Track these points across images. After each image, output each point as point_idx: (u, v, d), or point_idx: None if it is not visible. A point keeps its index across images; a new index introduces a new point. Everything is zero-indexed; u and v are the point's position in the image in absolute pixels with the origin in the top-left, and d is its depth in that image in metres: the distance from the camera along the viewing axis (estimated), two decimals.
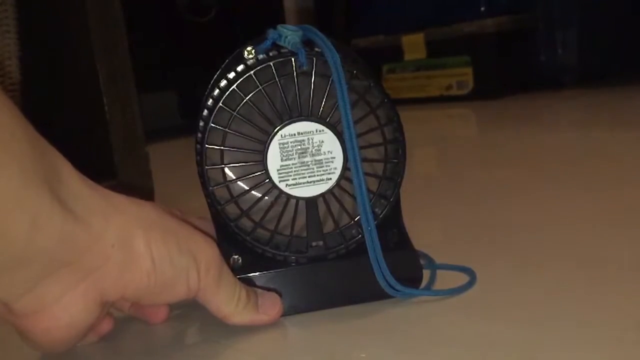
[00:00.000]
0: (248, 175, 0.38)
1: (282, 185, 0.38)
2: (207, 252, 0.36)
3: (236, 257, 0.40)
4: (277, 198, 0.39)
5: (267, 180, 0.38)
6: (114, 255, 0.32)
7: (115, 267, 0.33)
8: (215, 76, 0.39)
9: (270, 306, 0.38)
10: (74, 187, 0.32)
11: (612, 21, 1.48)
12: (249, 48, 0.38)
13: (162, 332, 0.41)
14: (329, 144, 0.39)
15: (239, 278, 0.40)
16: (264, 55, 0.38)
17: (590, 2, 1.48)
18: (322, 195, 0.39)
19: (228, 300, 0.37)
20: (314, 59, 0.37)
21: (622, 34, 1.47)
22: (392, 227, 0.41)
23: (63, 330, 0.33)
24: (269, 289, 0.40)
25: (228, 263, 0.40)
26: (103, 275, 0.32)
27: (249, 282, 0.40)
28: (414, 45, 1.64)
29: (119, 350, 0.39)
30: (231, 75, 0.38)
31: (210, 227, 0.43)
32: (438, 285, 0.42)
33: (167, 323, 0.41)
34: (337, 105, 0.37)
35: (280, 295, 0.40)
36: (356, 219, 0.40)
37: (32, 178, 0.29)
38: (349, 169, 0.38)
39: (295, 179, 0.39)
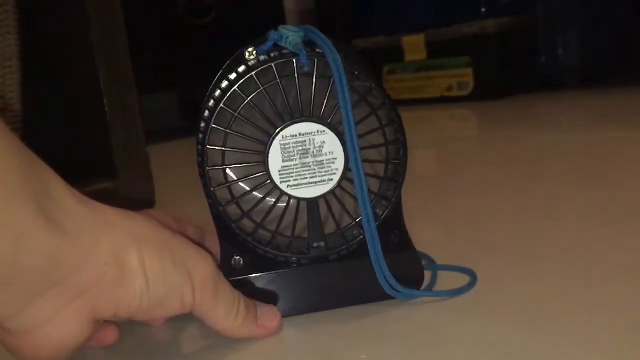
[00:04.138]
0: (249, 176, 0.38)
1: (283, 186, 0.38)
2: (203, 267, 0.35)
3: (237, 258, 0.40)
4: (278, 199, 0.39)
5: (269, 181, 0.38)
6: (107, 274, 0.31)
7: (108, 285, 0.32)
8: (217, 77, 0.39)
9: (270, 319, 0.38)
10: (64, 202, 0.31)
11: (613, 22, 1.48)
12: (250, 49, 0.38)
13: (162, 333, 0.41)
14: (330, 145, 0.39)
15: (240, 279, 0.40)
16: (265, 56, 0.38)
17: (590, 3, 1.48)
18: (324, 196, 0.39)
19: (226, 314, 0.36)
20: (315, 59, 0.37)
21: (623, 35, 1.47)
22: (393, 228, 0.41)
23: (55, 348, 0.32)
24: (269, 292, 0.40)
25: (229, 264, 0.40)
26: (96, 294, 0.31)
27: (250, 283, 0.40)
28: (414, 46, 1.64)
29: (119, 351, 0.39)
30: (232, 76, 0.38)
31: (208, 237, 0.43)
32: (439, 286, 0.42)
33: (166, 323, 0.41)
34: (339, 106, 0.37)
35: (278, 299, 0.40)
36: (357, 219, 0.40)
37: (17, 194, 0.28)
38: (350, 170, 0.38)
39: (297, 179, 0.38)
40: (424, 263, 0.43)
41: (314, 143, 0.38)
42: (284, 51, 0.38)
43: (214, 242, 0.43)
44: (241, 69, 0.38)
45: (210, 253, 0.37)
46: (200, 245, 0.37)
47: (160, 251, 0.33)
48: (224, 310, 0.36)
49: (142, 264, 0.32)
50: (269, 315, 0.38)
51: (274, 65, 0.37)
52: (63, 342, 0.32)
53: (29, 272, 0.29)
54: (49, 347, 0.32)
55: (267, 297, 0.40)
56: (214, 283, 0.35)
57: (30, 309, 0.30)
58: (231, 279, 0.40)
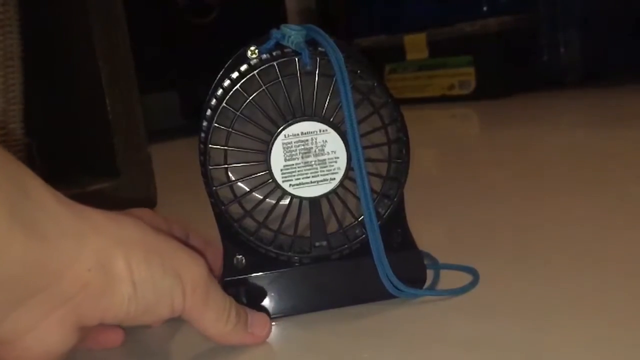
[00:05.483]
0: (251, 175, 0.38)
1: (285, 185, 0.38)
2: (193, 270, 0.33)
3: (239, 257, 0.40)
4: (280, 198, 0.39)
5: (271, 180, 0.38)
6: (92, 281, 0.30)
7: (93, 292, 0.30)
8: (219, 76, 0.39)
9: (261, 327, 0.37)
10: (45, 206, 0.29)
11: (614, 20, 1.47)
12: (252, 48, 0.38)
13: (162, 331, 0.41)
14: (332, 144, 0.38)
15: (242, 278, 0.40)
16: (268, 55, 0.38)
17: (592, 2, 1.48)
18: (326, 195, 0.39)
19: (216, 319, 0.34)
20: (318, 58, 0.37)
21: (625, 33, 1.46)
22: (395, 227, 0.41)
23: (38, 358, 0.31)
24: (262, 291, 0.40)
25: (231, 263, 0.40)
26: (80, 302, 0.30)
27: (252, 282, 0.40)
28: (416, 45, 1.64)
29: (118, 351, 0.39)
30: (234, 75, 0.38)
31: (191, 236, 0.42)
32: (441, 285, 0.42)
33: (166, 323, 0.41)
34: (341, 105, 0.37)
35: (275, 301, 0.39)
36: (360, 218, 0.40)
37: None
38: (352, 169, 0.38)
39: (299, 179, 0.38)
40: (426, 262, 0.43)
41: (316, 142, 0.38)
42: (286, 50, 0.38)
43: (197, 240, 0.43)
44: (243, 67, 0.38)
45: (198, 252, 0.35)
46: (185, 244, 0.36)
47: (148, 255, 0.32)
48: (215, 315, 0.34)
49: (129, 269, 0.31)
50: (260, 323, 0.37)
51: (276, 64, 0.37)
52: (46, 352, 0.31)
53: (5, 281, 0.28)
54: (32, 356, 0.30)
55: (264, 299, 0.40)
56: (205, 287, 0.34)
57: (10, 318, 0.29)
58: (233, 278, 0.40)
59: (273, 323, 0.39)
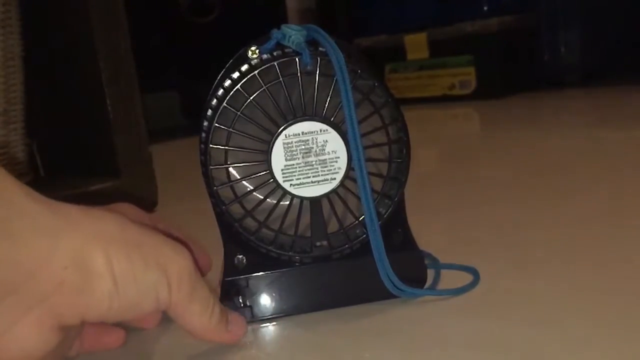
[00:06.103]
0: (252, 175, 0.38)
1: (286, 185, 0.38)
2: (179, 263, 0.33)
3: (240, 256, 0.40)
4: (281, 198, 0.39)
5: (272, 180, 0.38)
6: (68, 279, 0.29)
7: (69, 291, 0.29)
8: (220, 76, 0.39)
9: (239, 325, 0.36)
10: (16, 203, 0.28)
11: (615, 20, 1.47)
12: (252, 48, 0.38)
13: (161, 331, 0.41)
14: (333, 144, 0.38)
15: (243, 278, 0.40)
16: (268, 55, 0.38)
17: (593, 2, 1.48)
18: (327, 195, 0.39)
19: (201, 313, 0.34)
20: (318, 58, 0.37)
21: (625, 33, 1.47)
22: (396, 227, 0.41)
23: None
24: (263, 291, 0.40)
25: (232, 262, 0.40)
26: (58, 301, 0.29)
27: (252, 282, 0.40)
28: (416, 44, 1.64)
29: (118, 352, 0.38)
30: (235, 75, 0.38)
31: (176, 234, 0.42)
32: (442, 285, 0.42)
33: (164, 323, 0.41)
34: (341, 105, 0.37)
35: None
36: (360, 218, 0.40)
37: None
38: (353, 169, 0.38)
39: (300, 178, 0.38)
40: (426, 262, 0.43)
41: (316, 142, 0.38)
42: (287, 50, 0.38)
43: (180, 235, 0.43)
44: (244, 67, 0.38)
45: (183, 244, 0.35)
46: (169, 237, 0.35)
47: (129, 250, 0.31)
48: (200, 308, 0.34)
49: (109, 265, 0.30)
50: (237, 322, 0.36)
51: (277, 64, 0.37)
52: (25, 353, 0.30)
53: None
54: (9, 358, 0.29)
55: (265, 298, 0.40)
56: (191, 280, 0.33)
57: None
58: (234, 278, 0.40)
59: (274, 323, 0.40)
